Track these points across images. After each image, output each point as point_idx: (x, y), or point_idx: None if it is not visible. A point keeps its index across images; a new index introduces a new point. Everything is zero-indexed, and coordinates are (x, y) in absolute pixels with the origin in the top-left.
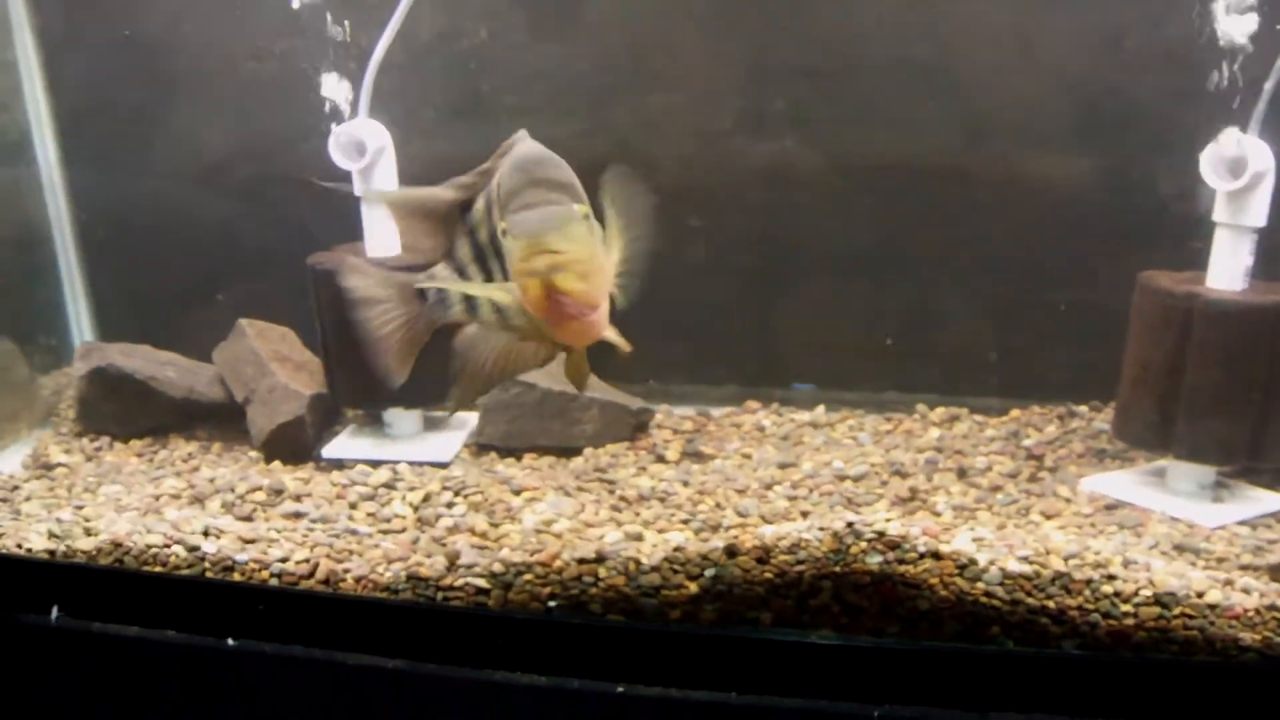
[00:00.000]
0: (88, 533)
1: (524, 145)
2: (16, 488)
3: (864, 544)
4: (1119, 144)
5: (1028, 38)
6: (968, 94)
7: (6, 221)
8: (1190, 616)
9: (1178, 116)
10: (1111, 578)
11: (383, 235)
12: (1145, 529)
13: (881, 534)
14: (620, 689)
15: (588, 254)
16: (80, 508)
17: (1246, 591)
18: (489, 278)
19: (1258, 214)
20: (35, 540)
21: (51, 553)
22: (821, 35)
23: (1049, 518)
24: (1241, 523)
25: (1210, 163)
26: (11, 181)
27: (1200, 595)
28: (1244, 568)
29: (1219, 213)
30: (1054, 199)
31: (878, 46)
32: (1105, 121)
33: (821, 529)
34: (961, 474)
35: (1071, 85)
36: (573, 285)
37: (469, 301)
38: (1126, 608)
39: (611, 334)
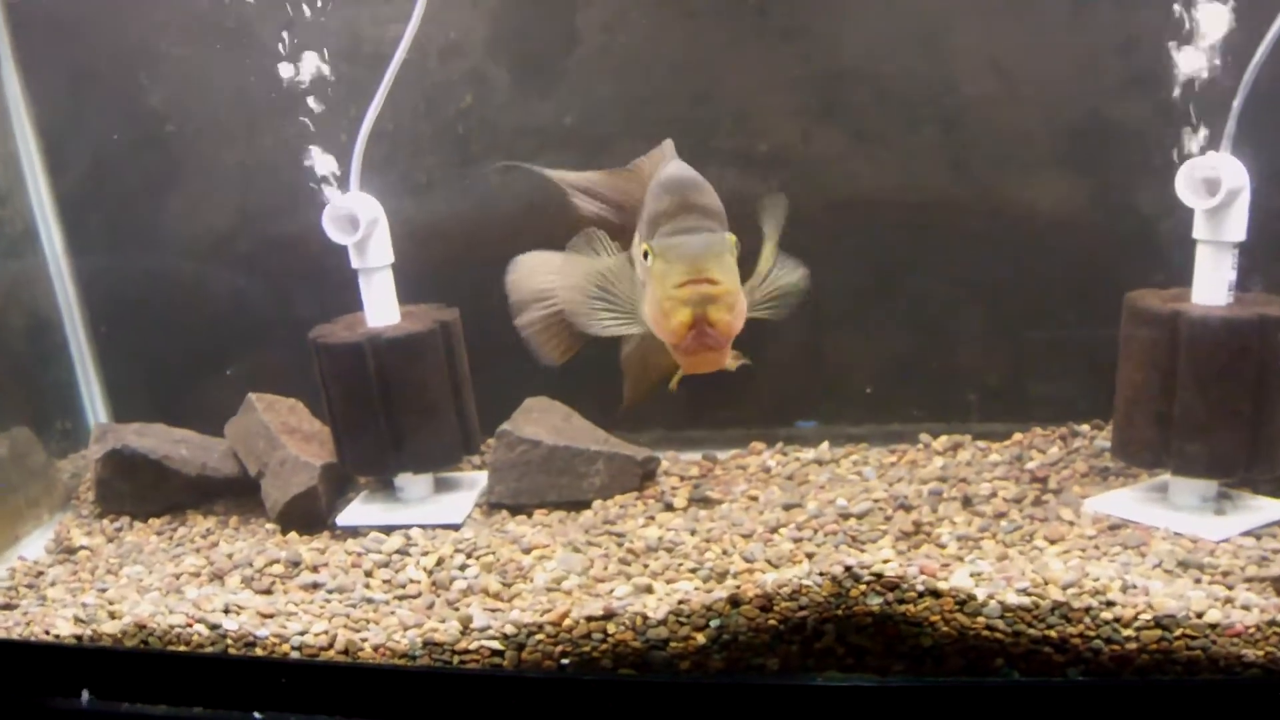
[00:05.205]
0: (112, 616)
1: (673, 166)
2: (41, 573)
3: (863, 586)
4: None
5: (998, 62)
6: (953, 126)
7: (16, 310)
8: (1192, 637)
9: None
10: (1110, 604)
11: (382, 306)
12: (1149, 547)
13: (879, 575)
14: None
15: (737, 286)
16: (104, 590)
17: (1247, 608)
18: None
19: (1236, 229)
20: (62, 626)
21: (79, 637)
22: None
23: (1053, 542)
24: (1245, 534)
25: (1186, 183)
26: (19, 271)
27: (1200, 615)
28: (1249, 580)
29: (1199, 230)
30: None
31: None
32: (1089, 145)
33: (821, 574)
34: (966, 503)
35: (1051, 109)
36: (721, 317)
37: None
38: (1128, 632)
39: (730, 360)
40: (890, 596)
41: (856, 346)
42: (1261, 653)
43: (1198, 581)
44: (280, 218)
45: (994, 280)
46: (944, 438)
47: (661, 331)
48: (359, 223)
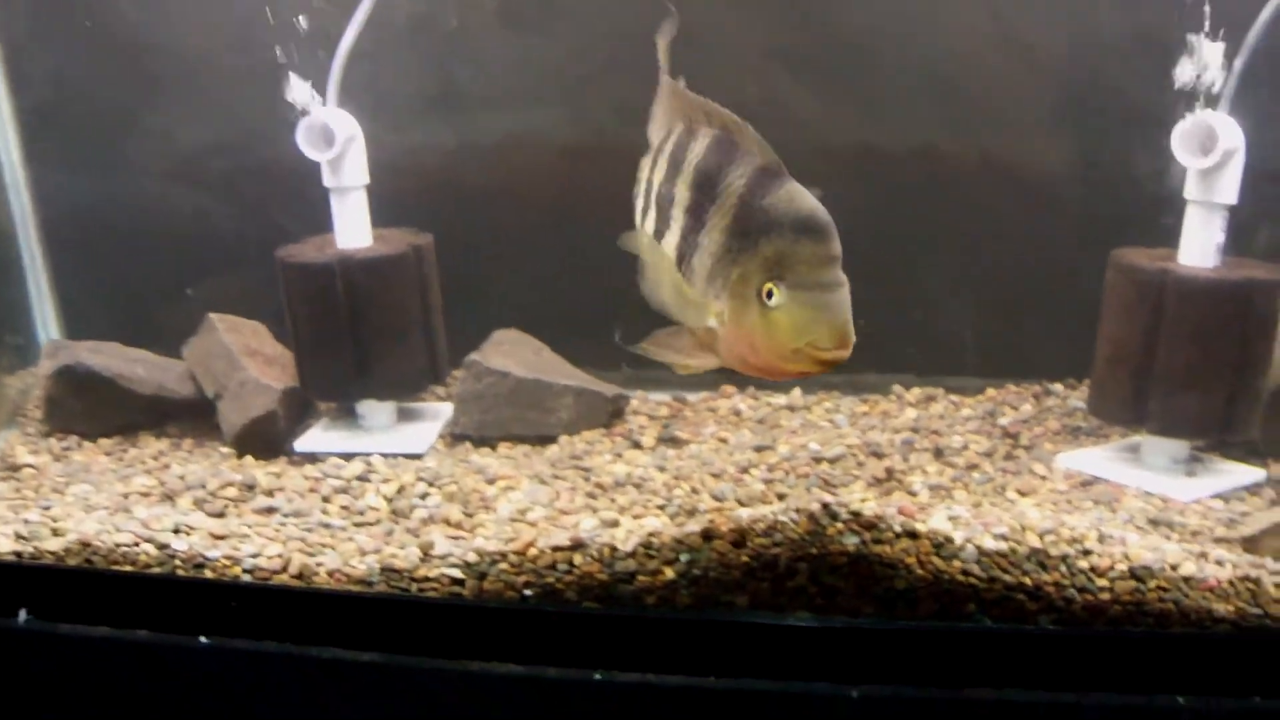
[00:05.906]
0: (55, 533)
1: (795, 196)
2: None
3: (840, 525)
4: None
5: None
6: (944, 80)
7: None
8: (1165, 589)
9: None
10: (1087, 553)
11: (354, 227)
12: (1120, 504)
13: (857, 515)
14: (597, 676)
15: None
16: (47, 508)
17: (1220, 564)
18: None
19: (1228, 191)
20: (1, 542)
21: (18, 554)
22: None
23: (1025, 495)
24: (1215, 496)
25: (1181, 141)
26: None
27: (1175, 568)
28: (1218, 540)
29: (1190, 190)
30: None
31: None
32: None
33: (797, 511)
34: (938, 454)
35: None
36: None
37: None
38: (1102, 582)
39: None
40: (867, 536)
41: None
42: (1232, 608)
43: (1168, 539)
44: (249, 139)
45: (975, 237)
46: (916, 390)
47: (757, 363)
48: (335, 138)
